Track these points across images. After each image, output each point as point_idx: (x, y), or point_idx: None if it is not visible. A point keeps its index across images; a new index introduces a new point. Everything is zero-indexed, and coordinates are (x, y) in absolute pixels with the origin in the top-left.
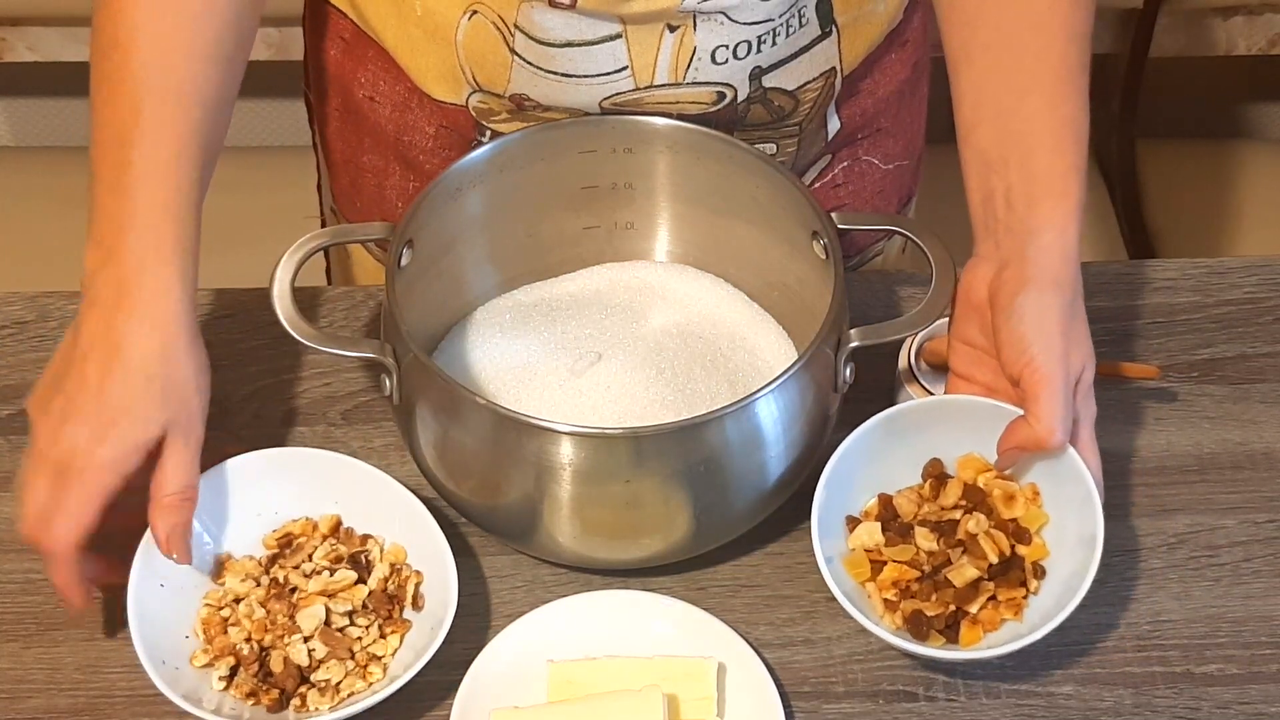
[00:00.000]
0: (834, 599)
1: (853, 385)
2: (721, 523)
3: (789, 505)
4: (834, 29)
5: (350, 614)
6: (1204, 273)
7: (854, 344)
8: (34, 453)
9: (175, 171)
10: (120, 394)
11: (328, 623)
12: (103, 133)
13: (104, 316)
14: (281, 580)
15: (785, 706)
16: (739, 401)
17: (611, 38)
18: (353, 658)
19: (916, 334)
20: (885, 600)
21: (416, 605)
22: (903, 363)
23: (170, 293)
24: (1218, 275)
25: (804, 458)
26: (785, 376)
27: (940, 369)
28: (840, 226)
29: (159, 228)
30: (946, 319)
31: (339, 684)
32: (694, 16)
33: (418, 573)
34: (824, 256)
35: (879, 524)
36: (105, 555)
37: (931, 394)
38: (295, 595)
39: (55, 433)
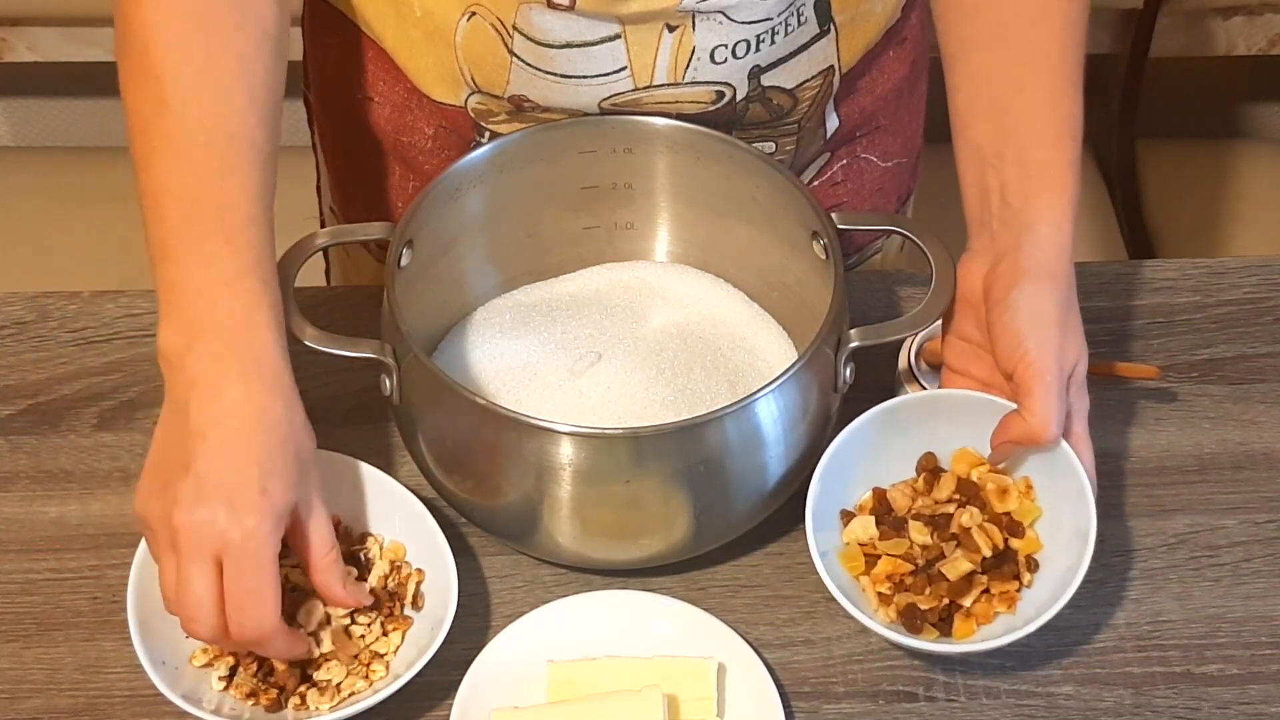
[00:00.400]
0: (834, 599)
1: (853, 385)
2: (721, 523)
3: (789, 505)
4: (832, 27)
5: (352, 613)
6: (1204, 273)
7: (854, 344)
8: (178, 547)
9: (252, 234)
10: (260, 462)
11: (329, 621)
12: (163, 203)
13: (213, 392)
14: (282, 580)
15: (785, 707)
16: (739, 402)
17: (610, 38)
18: (355, 657)
19: (916, 334)
20: (879, 594)
21: (417, 604)
22: (902, 363)
23: (276, 357)
24: (1217, 275)
25: (804, 458)
26: (785, 377)
27: (940, 369)
28: (840, 226)
29: (252, 294)
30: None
31: (340, 684)
32: (693, 16)
33: (419, 571)
34: (824, 256)
35: (873, 518)
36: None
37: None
38: (295, 595)
39: (199, 518)
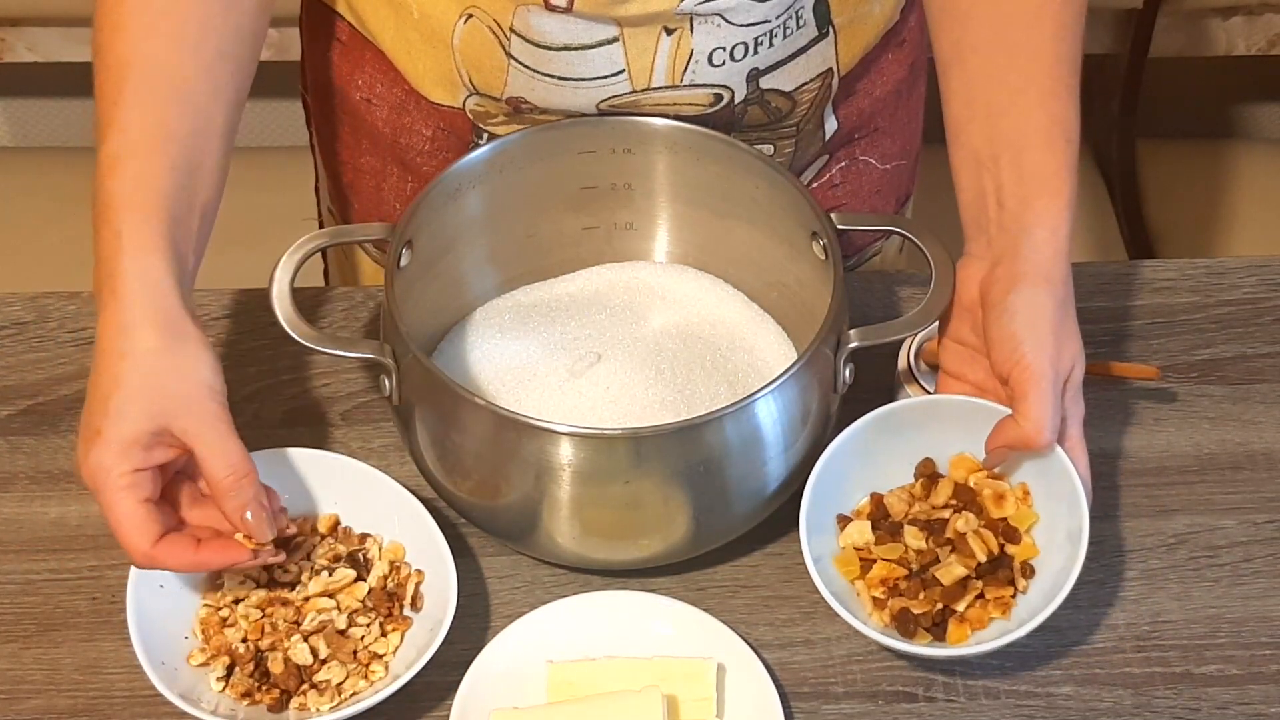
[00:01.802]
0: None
1: (852, 386)
2: (721, 523)
3: (789, 506)
4: (831, 30)
5: (351, 613)
6: (1203, 273)
7: (853, 344)
8: (79, 469)
9: (139, 162)
10: (97, 399)
11: (329, 624)
12: (96, 120)
13: (97, 332)
14: (281, 580)
15: (785, 707)
16: (738, 402)
17: (608, 41)
18: (354, 657)
19: (916, 334)
20: (874, 598)
21: (416, 605)
22: (902, 363)
23: (130, 286)
24: (1217, 275)
25: (804, 459)
26: (785, 377)
27: (940, 369)
28: (840, 227)
29: (121, 223)
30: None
31: (340, 684)
32: (691, 19)
33: (418, 572)
34: (823, 257)
35: (869, 522)
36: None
37: (929, 395)
38: (296, 595)
39: (76, 461)
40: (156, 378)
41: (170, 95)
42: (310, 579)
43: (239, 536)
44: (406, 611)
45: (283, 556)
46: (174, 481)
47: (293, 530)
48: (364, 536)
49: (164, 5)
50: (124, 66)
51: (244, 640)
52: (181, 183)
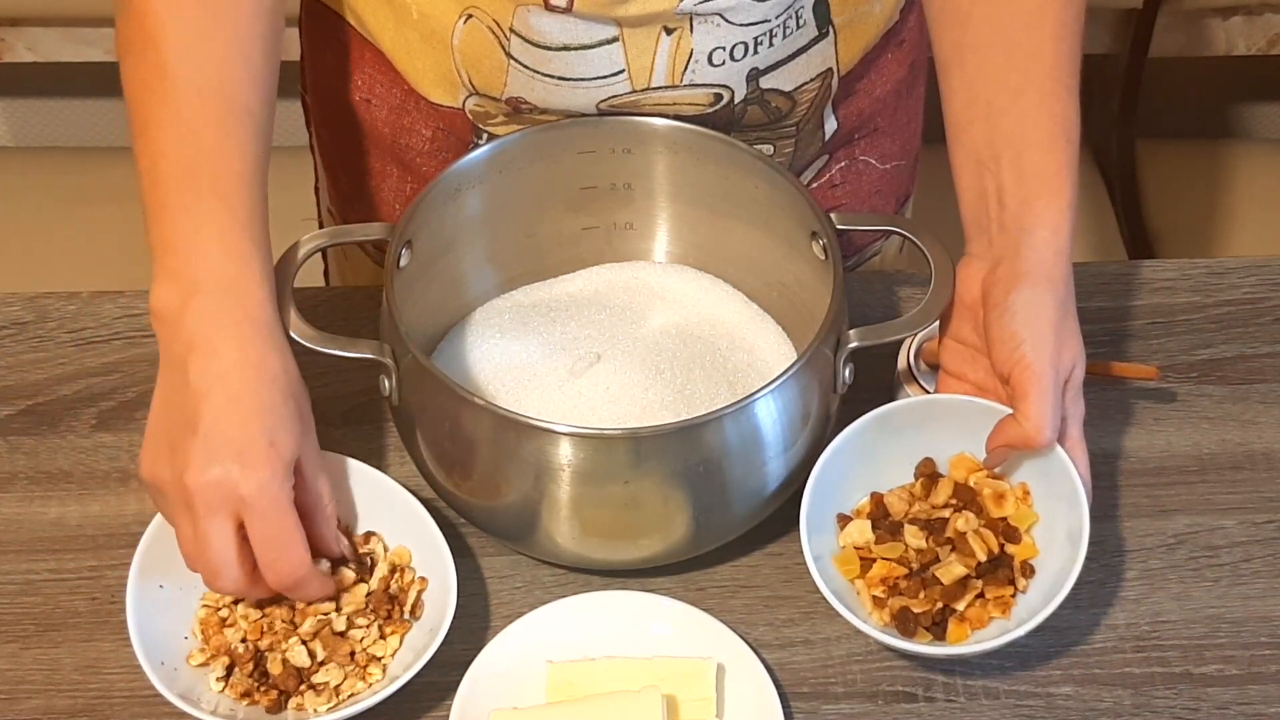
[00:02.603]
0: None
1: (852, 386)
2: (721, 523)
3: (788, 506)
4: (831, 30)
5: (351, 616)
6: (1203, 273)
7: (853, 344)
8: (193, 508)
9: (244, 195)
10: (264, 416)
11: (328, 625)
12: (159, 160)
13: (211, 350)
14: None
15: (784, 707)
16: (738, 402)
17: (608, 41)
18: (352, 659)
19: (915, 334)
20: (874, 597)
21: (415, 613)
22: (902, 363)
23: (271, 314)
24: (1217, 275)
25: (803, 459)
26: (784, 377)
27: (940, 369)
28: (839, 227)
29: (241, 252)
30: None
31: (338, 686)
32: (690, 19)
33: (422, 579)
34: (823, 257)
35: (869, 522)
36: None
37: (929, 394)
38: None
39: (212, 477)
40: (302, 399)
41: (253, 129)
42: None
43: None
44: (405, 617)
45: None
46: None
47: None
48: (367, 536)
49: (208, 28)
50: (202, 95)
51: (243, 641)
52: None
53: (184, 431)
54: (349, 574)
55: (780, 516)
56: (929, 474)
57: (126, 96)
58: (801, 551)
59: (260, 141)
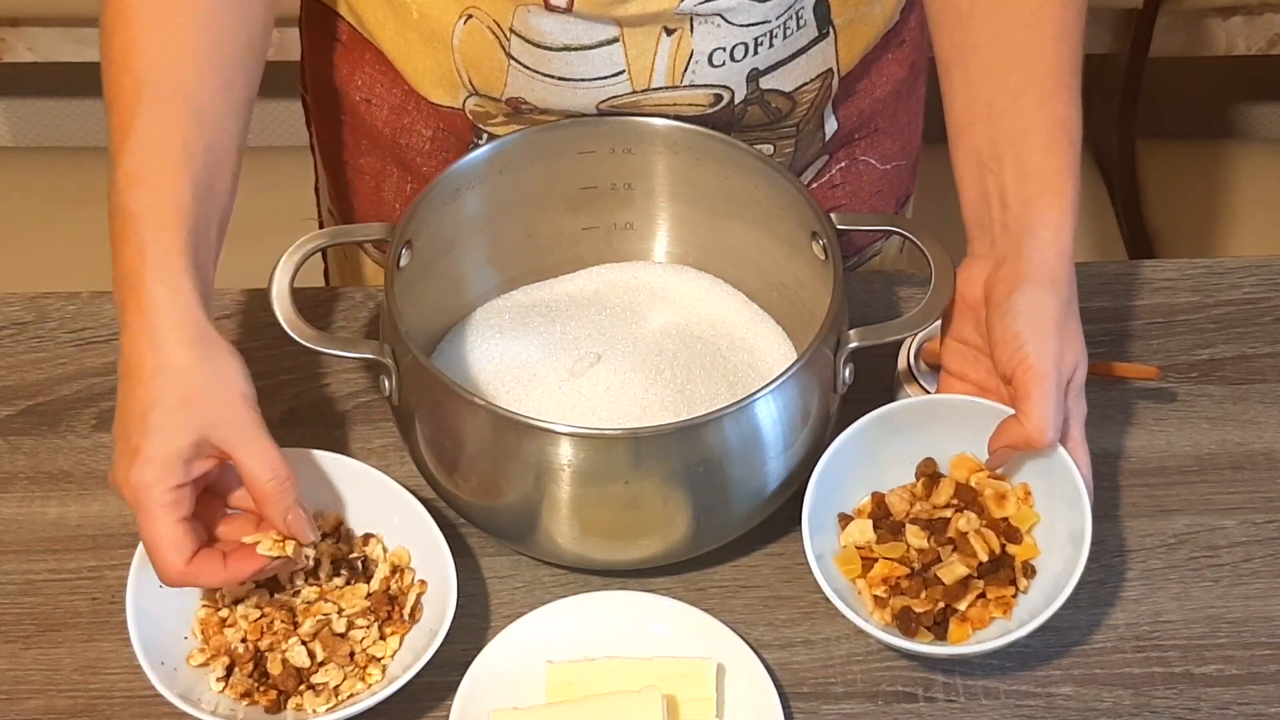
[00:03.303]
0: (831, 600)
1: (852, 386)
2: (721, 523)
3: (788, 506)
4: (831, 30)
5: (351, 616)
6: (1203, 273)
7: (853, 344)
8: (120, 486)
9: (160, 178)
10: (134, 417)
11: (328, 625)
12: (110, 136)
13: (122, 343)
14: (280, 581)
15: (784, 707)
16: (738, 402)
17: (608, 41)
18: (352, 660)
19: (916, 334)
20: (875, 597)
21: (415, 616)
22: (902, 363)
23: (157, 301)
24: (1217, 275)
25: (803, 459)
26: (784, 377)
27: (940, 369)
28: (840, 227)
29: (143, 239)
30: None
31: (337, 686)
32: (691, 19)
33: (422, 582)
34: (823, 257)
35: (871, 521)
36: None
37: (930, 395)
38: (295, 598)
39: (115, 480)
40: (193, 391)
41: (187, 112)
42: (309, 579)
43: (263, 546)
44: (405, 618)
45: (307, 563)
46: (202, 499)
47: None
48: (366, 537)
49: (175, 20)
50: (139, 84)
51: (243, 641)
52: (201, 196)
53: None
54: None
55: (780, 516)
56: (930, 474)
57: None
58: (801, 551)
59: (191, 122)
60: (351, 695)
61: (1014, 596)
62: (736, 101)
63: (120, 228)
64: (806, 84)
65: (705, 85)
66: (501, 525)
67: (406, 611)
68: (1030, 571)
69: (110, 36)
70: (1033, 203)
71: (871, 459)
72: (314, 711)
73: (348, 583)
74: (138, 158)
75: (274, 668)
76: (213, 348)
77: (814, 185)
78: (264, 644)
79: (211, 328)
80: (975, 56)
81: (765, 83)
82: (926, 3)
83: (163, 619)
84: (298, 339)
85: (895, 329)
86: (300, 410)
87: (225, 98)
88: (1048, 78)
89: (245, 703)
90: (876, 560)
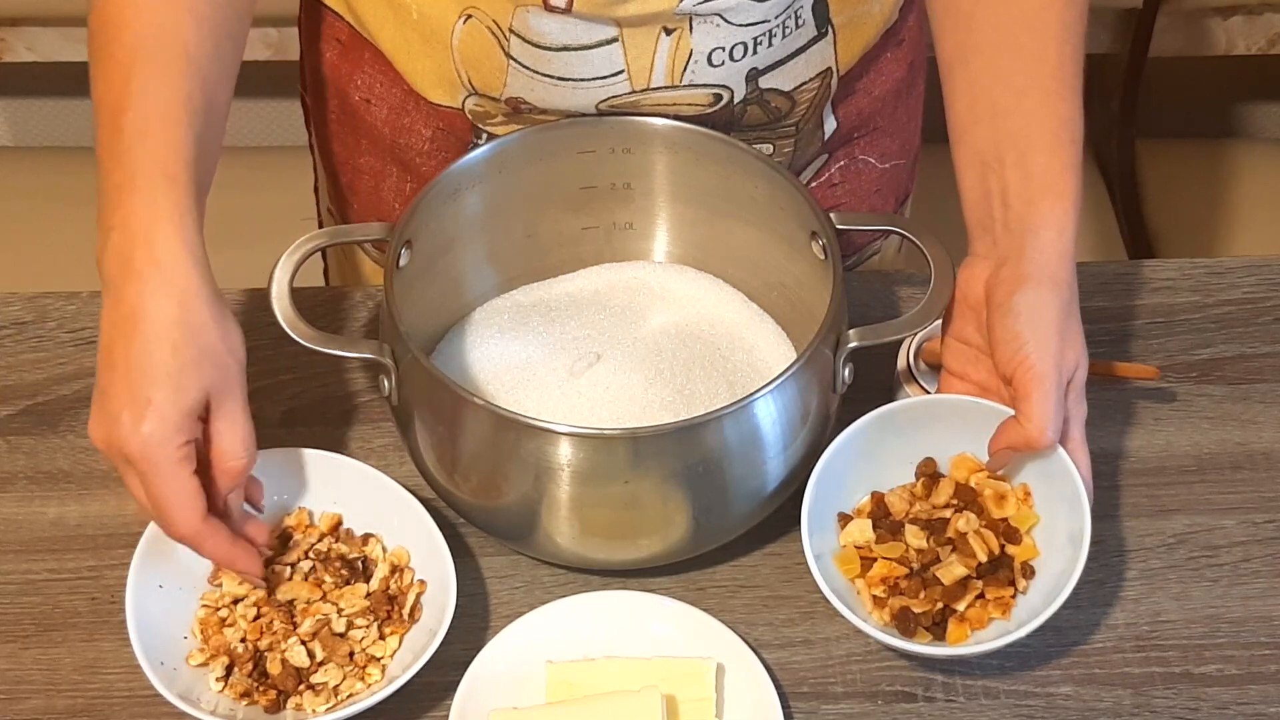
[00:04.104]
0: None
1: (851, 385)
2: (720, 523)
3: (788, 506)
4: (830, 29)
5: (350, 616)
6: (1203, 273)
7: (853, 344)
8: (111, 461)
9: (167, 132)
10: (149, 368)
11: (327, 625)
12: (98, 110)
13: (116, 295)
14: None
15: (784, 707)
16: (737, 402)
17: (607, 41)
18: (351, 660)
19: (915, 334)
20: (874, 597)
21: (414, 615)
22: (901, 363)
23: (175, 254)
24: (1217, 275)
25: (803, 459)
26: (784, 377)
27: (939, 369)
28: (839, 227)
29: (155, 191)
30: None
31: (337, 686)
32: (690, 19)
33: (421, 582)
34: (823, 257)
35: (870, 521)
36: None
37: (930, 394)
38: (295, 597)
39: (105, 434)
40: (206, 350)
41: (190, 70)
42: (309, 579)
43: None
44: (404, 618)
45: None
46: None
47: (269, 551)
48: (366, 537)
49: None
50: (138, 39)
51: (243, 640)
52: (202, 155)
53: (99, 386)
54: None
55: (780, 516)
56: (930, 474)
57: (90, 66)
58: (801, 551)
59: (195, 82)
60: (351, 695)
61: (1013, 597)
62: (736, 101)
63: (124, 178)
64: (805, 83)
65: (704, 85)
66: (501, 525)
67: (406, 611)
68: (1029, 572)
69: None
70: (1035, 203)
71: (871, 459)
72: (313, 711)
73: (347, 582)
74: (144, 109)
75: (273, 667)
76: (224, 309)
77: (813, 184)
78: (263, 644)
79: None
80: (978, 57)
81: (764, 82)
82: (929, 3)
83: (162, 619)
84: (297, 339)
85: (895, 329)
86: (300, 410)
87: (219, 63)
88: (1050, 78)
89: (245, 703)
90: (876, 560)
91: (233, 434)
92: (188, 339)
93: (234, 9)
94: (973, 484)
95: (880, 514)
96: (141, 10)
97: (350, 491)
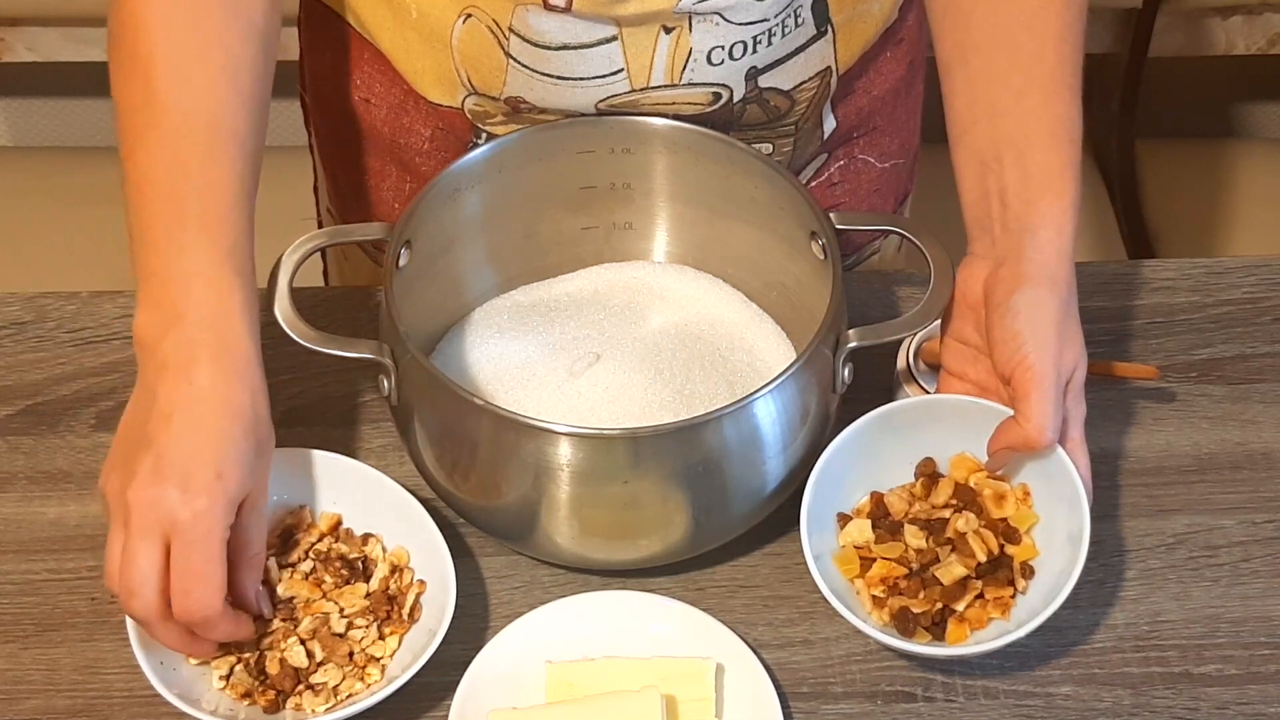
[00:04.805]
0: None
1: (851, 385)
2: (720, 523)
3: (788, 506)
4: (829, 28)
5: (350, 616)
6: (1203, 273)
7: (852, 344)
8: (129, 523)
9: (230, 224)
10: (219, 447)
11: (327, 625)
12: (145, 191)
13: (183, 376)
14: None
15: (784, 707)
16: (737, 402)
17: (607, 40)
18: (351, 660)
19: (915, 334)
20: (873, 597)
21: (414, 615)
22: (901, 363)
23: (244, 344)
24: (1216, 275)
25: (803, 459)
26: (784, 377)
27: (939, 369)
28: (839, 226)
29: (223, 285)
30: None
31: (336, 686)
32: (689, 18)
33: (421, 582)
34: (822, 257)
35: (869, 521)
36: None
37: (929, 394)
38: (293, 599)
39: (152, 495)
40: (264, 444)
41: (239, 155)
42: (308, 579)
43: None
44: (404, 618)
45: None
46: None
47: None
48: (366, 537)
49: (199, 53)
50: (187, 120)
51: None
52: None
53: (140, 448)
54: (348, 574)
55: (780, 516)
56: (929, 474)
57: (116, 117)
58: (800, 551)
59: (246, 165)
60: (350, 695)
61: (1012, 597)
62: (735, 100)
63: (188, 260)
64: (805, 82)
65: (704, 84)
66: (501, 525)
67: (406, 611)
68: (1029, 572)
69: (128, 69)
70: (1034, 203)
71: (871, 459)
72: (313, 711)
73: (347, 582)
74: (203, 194)
75: (272, 667)
76: (265, 400)
77: (813, 184)
78: (264, 643)
79: None
80: (977, 57)
81: (764, 81)
82: (928, 3)
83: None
84: (297, 339)
85: (894, 329)
86: (300, 410)
87: (261, 133)
88: (1050, 78)
89: (245, 703)
90: (875, 560)
91: (259, 528)
92: (256, 429)
93: (263, 73)
94: (972, 484)
95: (880, 514)
96: (186, 89)
97: (350, 491)
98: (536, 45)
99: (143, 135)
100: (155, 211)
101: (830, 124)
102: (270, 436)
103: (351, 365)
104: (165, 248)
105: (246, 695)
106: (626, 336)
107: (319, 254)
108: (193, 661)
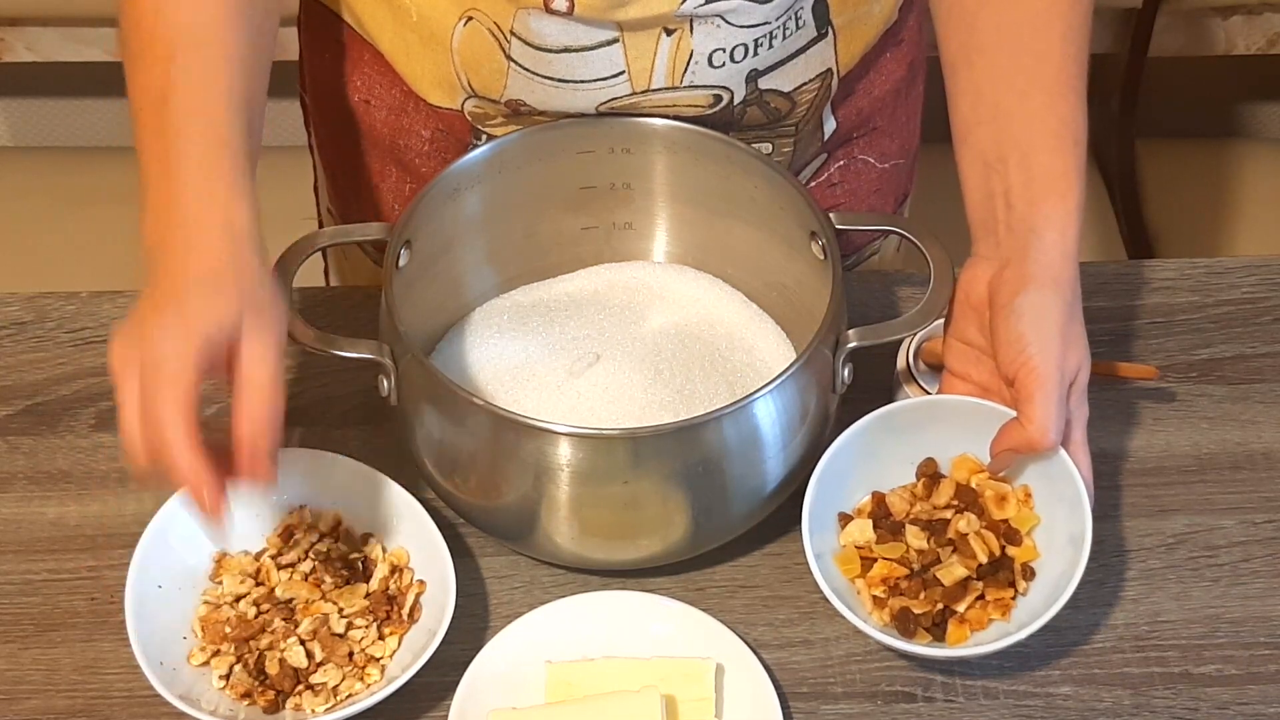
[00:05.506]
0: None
1: (851, 385)
2: (720, 523)
3: (788, 506)
4: (830, 30)
5: (350, 617)
6: (1203, 273)
7: (852, 344)
8: (117, 380)
9: (215, 113)
10: (191, 283)
11: (326, 625)
12: (139, 102)
13: (165, 254)
14: (279, 580)
15: (784, 707)
16: (737, 402)
17: (608, 43)
18: (351, 660)
19: (915, 334)
20: (874, 597)
21: (414, 616)
22: (901, 363)
23: (229, 207)
24: (1216, 275)
25: (803, 459)
26: (783, 377)
27: (939, 369)
28: (839, 227)
29: (209, 158)
30: (944, 319)
31: (336, 686)
32: (691, 21)
33: (421, 582)
34: (822, 257)
35: (870, 521)
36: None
37: (930, 394)
38: (293, 600)
39: (123, 343)
40: (252, 293)
41: (227, 67)
42: (309, 579)
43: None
44: (404, 618)
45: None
46: None
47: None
48: (365, 537)
49: None
50: (177, 33)
51: (245, 640)
52: (248, 137)
53: (138, 309)
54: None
55: (780, 516)
56: (931, 474)
57: (120, 41)
58: (801, 551)
59: (238, 77)
60: (350, 695)
61: (1013, 599)
62: (736, 102)
63: (175, 154)
64: (805, 84)
65: (705, 86)
66: (500, 525)
67: (405, 611)
68: (1029, 574)
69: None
70: (1038, 204)
71: (872, 459)
72: (312, 711)
73: (347, 582)
74: (189, 95)
75: (272, 667)
76: (266, 257)
77: (813, 184)
78: (263, 644)
79: None
80: (981, 58)
81: (764, 83)
82: (933, 4)
83: (162, 619)
84: (297, 339)
85: (894, 329)
86: (299, 410)
87: (255, 58)
88: (1054, 80)
89: (245, 703)
90: (876, 560)
91: (253, 357)
92: (231, 265)
93: (264, 6)
94: (973, 485)
95: (881, 514)
96: (179, 8)
97: (350, 491)
98: (538, 48)
99: (135, 56)
100: (143, 116)
101: (830, 125)
102: (256, 274)
103: (351, 366)
104: (152, 147)
105: (246, 695)
106: (626, 336)
107: (319, 254)
108: (193, 663)
